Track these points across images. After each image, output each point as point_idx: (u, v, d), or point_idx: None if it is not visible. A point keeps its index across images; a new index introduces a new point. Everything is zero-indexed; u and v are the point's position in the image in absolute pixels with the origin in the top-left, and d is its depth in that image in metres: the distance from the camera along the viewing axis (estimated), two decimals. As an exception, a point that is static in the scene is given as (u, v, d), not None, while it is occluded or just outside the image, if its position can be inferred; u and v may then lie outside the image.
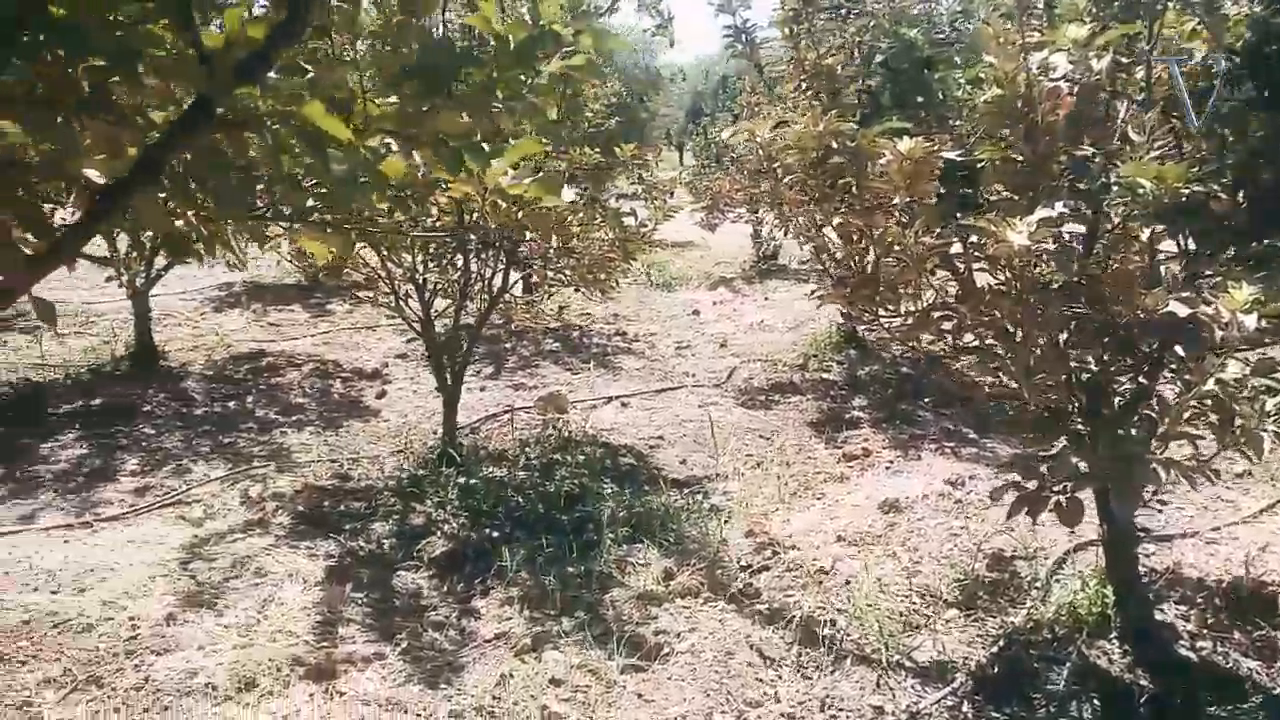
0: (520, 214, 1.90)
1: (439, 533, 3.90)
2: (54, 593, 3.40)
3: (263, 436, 5.15)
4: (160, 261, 6.24)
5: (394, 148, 1.43)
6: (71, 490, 4.36)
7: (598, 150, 4.79)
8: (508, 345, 7.10)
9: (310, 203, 1.57)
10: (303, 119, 1.21)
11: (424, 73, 1.24)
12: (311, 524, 4.01)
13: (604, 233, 4.70)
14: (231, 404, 5.74)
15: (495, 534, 3.88)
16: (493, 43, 1.43)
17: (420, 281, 4.53)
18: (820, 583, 3.50)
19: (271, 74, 1.21)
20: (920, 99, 4.25)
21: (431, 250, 4.39)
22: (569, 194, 1.75)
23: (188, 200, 1.35)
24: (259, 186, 1.49)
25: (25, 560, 3.64)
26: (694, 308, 8.82)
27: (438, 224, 3.92)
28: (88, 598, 3.36)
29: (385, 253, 4.50)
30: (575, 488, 4.31)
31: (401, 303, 4.63)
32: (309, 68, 1.35)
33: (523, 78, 1.45)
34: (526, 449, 4.83)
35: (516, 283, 4.84)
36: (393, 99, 1.42)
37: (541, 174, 1.71)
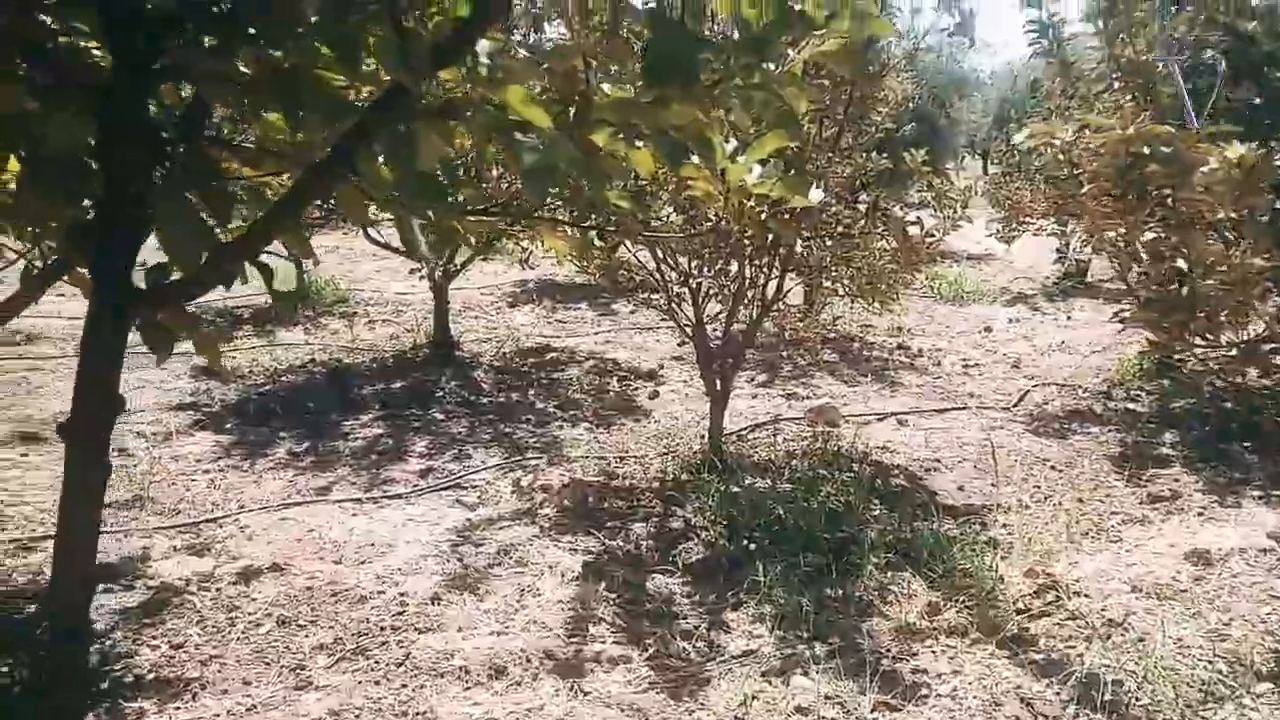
0: (765, 215, 1.78)
1: (696, 539, 3.85)
2: (336, 563, 3.64)
3: (539, 429, 5.32)
4: (460, 256, 6.63)
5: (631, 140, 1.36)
6: (365, 467, 4.68)
7: (885, 155, 4.58)
8: (783, 353, 6.97)
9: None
10: (501, 105, 1.16)
11: (655, 60, 1.15)
12: (575, 518, 4.07)
13: (886, 242, 4.48)
14: (514, 395, 5.98)
15: (752, 546, 3.78)
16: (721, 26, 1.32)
17: (694, 285, 4.50)
18: (1108, 636, 3.14)
19: (485, 60, 1.16)
20: (1257, 101, 3.73)
21: (706, 254, 4.35)
22: (816, 195, 1.61)
23: (378, 190, 1.34)
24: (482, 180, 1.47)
25: (316, 530, 3.92)
26: (986, 324, 8.31)
27: (700, 226, 3.87)
28: (365, 571, 3.57)
29: (661, 255, 4.52)
30: (840, 506, 4.13)
31: (675, 306, 4.63)
32: (528, 52, 1.30)
33: (767, 65, 1.33)
34: (792, 461, 4.69)
35: (791, 290, 4.71)
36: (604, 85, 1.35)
37: (792, 172, 1.59)
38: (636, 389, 6.15)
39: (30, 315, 7.57)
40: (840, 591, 3.44)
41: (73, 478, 1.45)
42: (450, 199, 1.49)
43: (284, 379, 6.29)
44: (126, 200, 1.17)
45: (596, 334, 7.70)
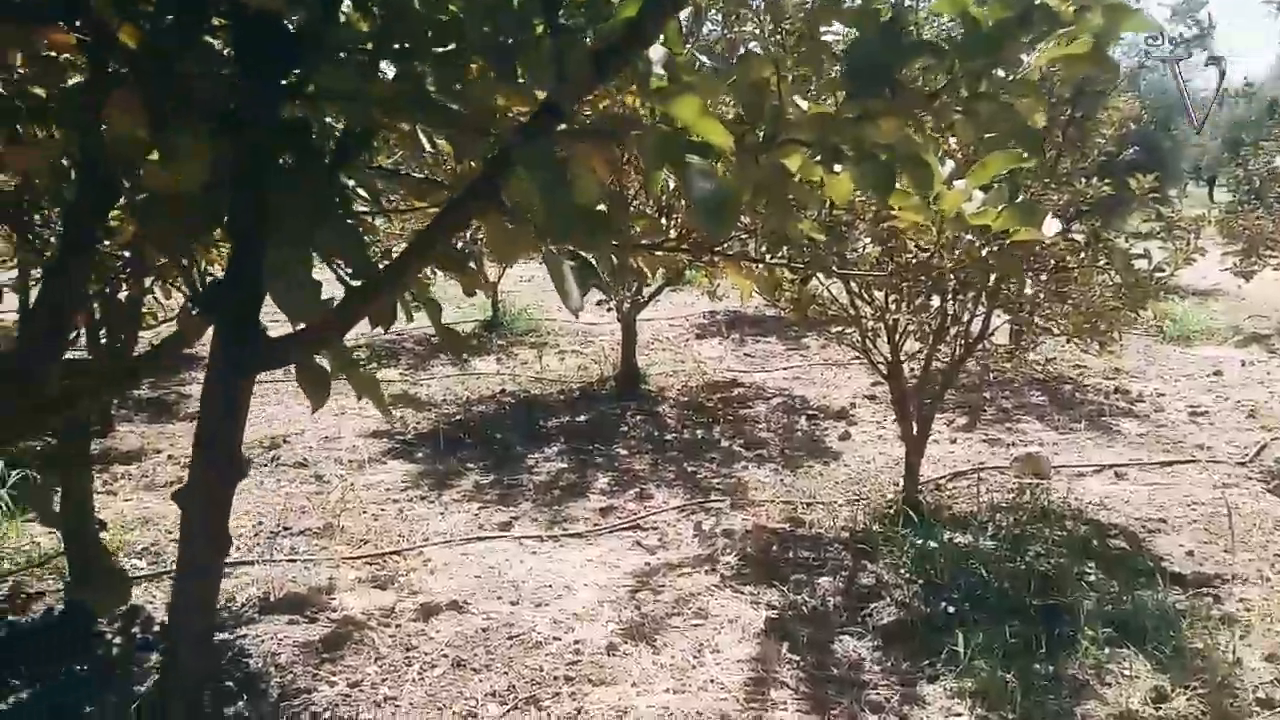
0: (985, 250, 1.55)
1: (888, 598, 3.57)
2: (514, 604, 3.57)
3: (724, 469, 5.15)
4: (649, 288, 6.56)
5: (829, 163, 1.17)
6: (547, 503, 4.63)
7: (1106, 180, 4.19)
8: (986, 395, 6.55)
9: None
10: (672, 123, 0.99)
11: (861, 66, 0.96)
12: (757, 568, 3.87)
13: (1108, 276, 4.08)
14: (699, 432, 5.83)
15: (950, 609, 3.47)
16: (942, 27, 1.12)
17: (890, 322, 4.23)
18: (1378, 743, 2.69)
19: (659, 69, 1.00)
20: None
21: (904, 289, 4.08)
22: (1053, 226, 1.37)
23: (520, 220, 1.20)
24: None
25: (496, 568, 3.87)
26: (1216, 367, 7.57)
27: (900, 258, 3.61)
28: (541, 614, 3.48)
29: (856, 289, 4.28)
30: (1050, 569, 3.75)
31: (869, 342, 4.37)
32: (706, 60, 1.13)
33: (996, 72, 1.12)
34: (996, 515, 4.33)
35: (998, 329, 4.36)
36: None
37: (1019, 200, 1.36)
38: (826, 429, 5.89)
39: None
40: (1051, 668, 3.10)
41: (188, 554, 1.36)
42: (615, 232, 1.34)
43: (475, 409, 6.36)
44: (250, 239, 1.07)
45: (786, 369, 7.47)
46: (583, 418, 6.09)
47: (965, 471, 5.02)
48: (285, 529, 4.24)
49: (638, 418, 6.09)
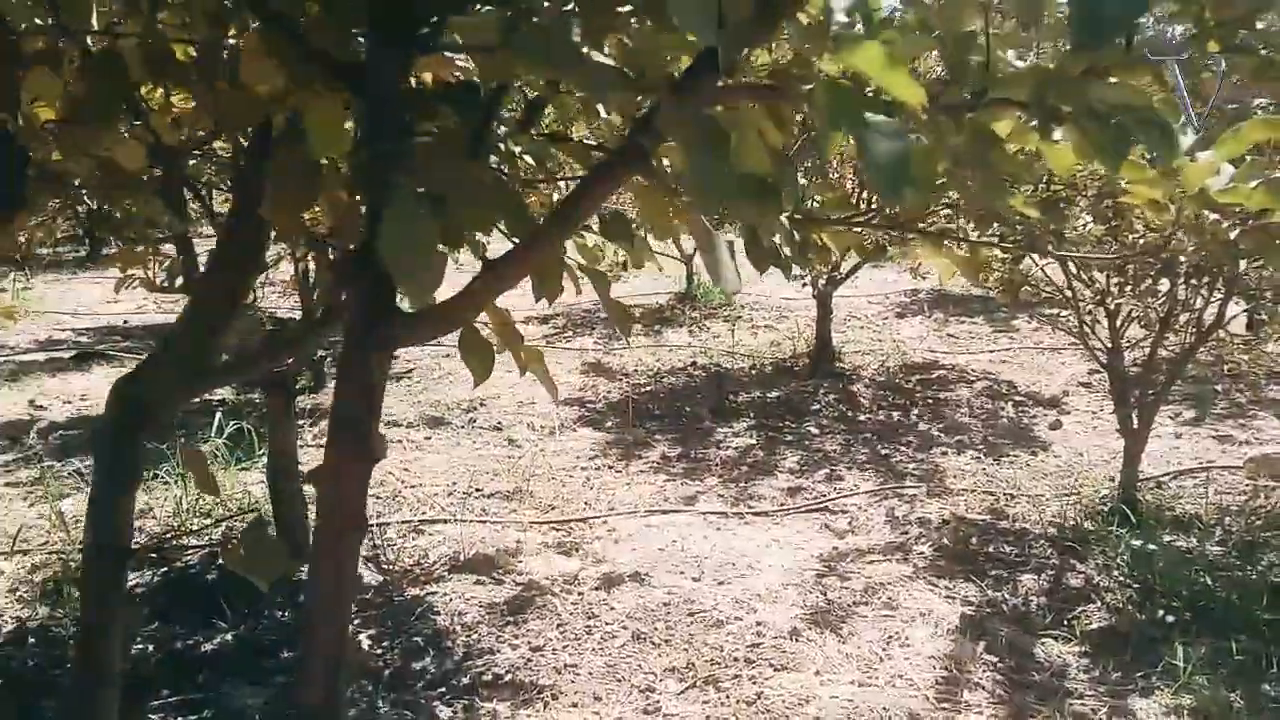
0: (1236, 233, 1.34)
1: (1099, 602, 3.31)
2: (695, 580, 3.52)
3: (919, 454, 4.92)
4: (847, 264, 6.34)
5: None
6: (734, 479, 4.55)
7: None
8: (1217, 387, 6.00)
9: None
10: (852, 75, 0.86)
11: (1090, 10, 0.80)
12: (953, 560, 3.67)
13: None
14: (895, 414, 5.61)
15: (1169, 618, 3.18)
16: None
17: (1111, 307, 3.91)
18: None
19: (840, 14, 0.87)
20: None
21: (1128, 272, 3.75)
22: None
23: (666, 187, 1.09)
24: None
25: (679, 542, 3.83)
26: None
27: (1125, 239, 3.30)
28: (723, 592, 3.42)
29: (1074, 270, 3.98)
30: (1288, 582, 3.39)
31: (1087, 327, 4.06)
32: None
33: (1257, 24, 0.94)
34: (1225, 519, 3.95)
35: (1235, 317, 3.96)
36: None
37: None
38: (1035, 417, 5.55)
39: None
40: (1285, 692, 2.79)
41: (325, 538, 1.33)
42: (783, 205, 1.21)
43: (665, 380, 6.35)
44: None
45: (992, 352, 7.09)
46: (774, 394, 5.97)
47: (1191, 470, 4.61)
48: (477, 490, 4.34)
49: (830, 396, 5.91)
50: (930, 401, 5.85)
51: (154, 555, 3.60)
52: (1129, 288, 3.86)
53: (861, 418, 5.55)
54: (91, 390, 5.91)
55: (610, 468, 4.72)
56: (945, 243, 1.46)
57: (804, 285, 6.49)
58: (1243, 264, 3.46)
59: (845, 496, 4.32)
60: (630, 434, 5.21)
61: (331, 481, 1.28)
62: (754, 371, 6.55)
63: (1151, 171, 1.15)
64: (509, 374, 5.87)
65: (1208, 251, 1.24)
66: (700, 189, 0.91)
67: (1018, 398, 5.92)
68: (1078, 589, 3.41)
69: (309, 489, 3.61)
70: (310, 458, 4.63)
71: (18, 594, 3.27)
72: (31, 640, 2.99)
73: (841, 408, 5.72)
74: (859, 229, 1.46)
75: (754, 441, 5.12)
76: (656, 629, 3.17)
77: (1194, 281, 3.71)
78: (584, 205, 1.15)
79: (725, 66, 0.87)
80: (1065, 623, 3.19)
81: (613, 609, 3.30)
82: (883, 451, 4.96)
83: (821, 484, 4.49)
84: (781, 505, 4.24)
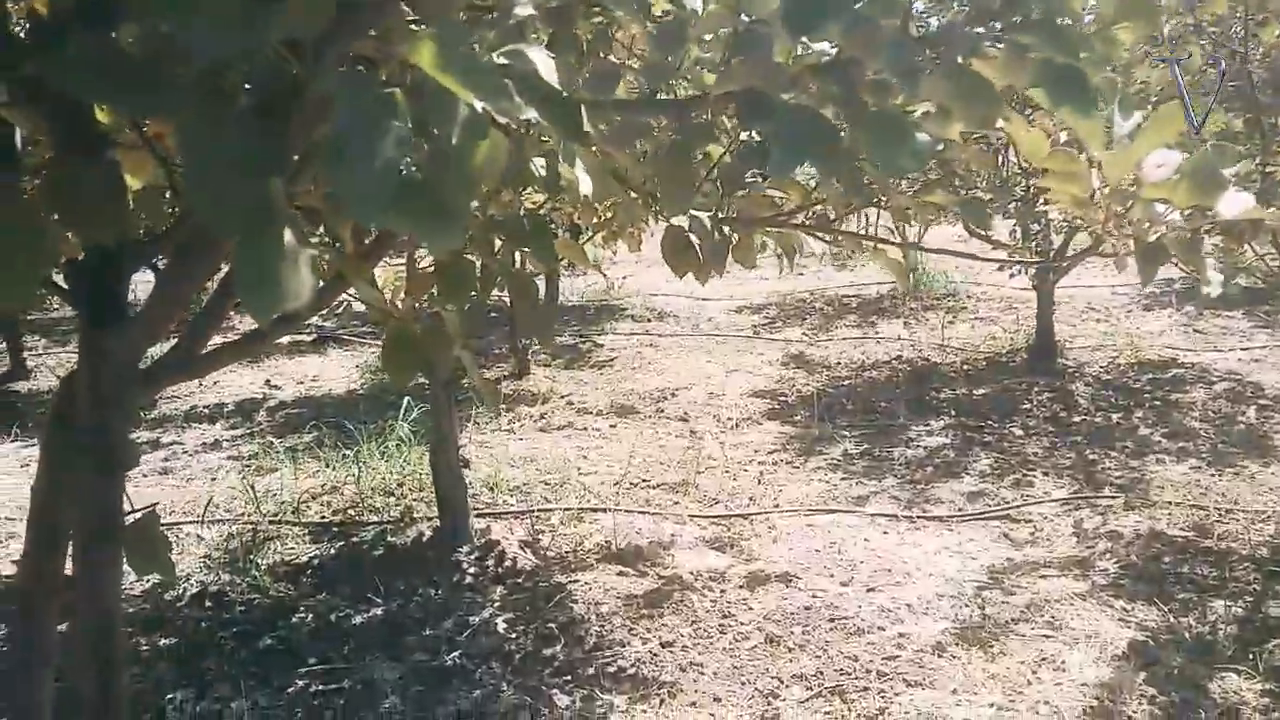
0: (1157, 236, 1.08)
1: (1302, 638, 2.91)
2: (844, 584, 3.38)
3: (1132, 460, 4.49)
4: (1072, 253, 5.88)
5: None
6: (914, 480, 4.34)
7: None
8: None
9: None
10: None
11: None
12: (1139, 580, 3.33)
13: None
14: (1114, 416, 5.15)
15: (1391, 664, 2.76)
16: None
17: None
18: None
19: None
20: None
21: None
22: (1240, 202, 0.92)
23: None
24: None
25: (838, 544, 3.69)
26: None
27: None
28: (871, 600, 3.26)
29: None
30: None
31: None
32: None
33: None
34: None
35: None
36: None
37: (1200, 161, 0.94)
38: (1278, 424, 4.93)
39: (667, 294, 8.39)
40: None
41: (75, 549, 1.28)
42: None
43: (867, 374, 6.14)
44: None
45: (1244, 349, 6.37)
46: (981, 391, 5.63)
47: None
48: (645, 481, 4.36)
49: (1044, 395, 5.51)
50: (1158, 404, 5.33)
51: (334, 529, 3.86)
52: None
53: (1075, 419, 5.14)
54: (324, 372, 6.42)
55: (788, 463, 4.62)
56: (868, 243, 1.31)
57: (1013, 275, 6.10)
58: None
59: (1032, 504, 4.01)
60: (816, 429, 5.07)
61: (81, 493, 1.25)
62: (965, 367, 6.21)
63: (1079, 162, 0.98)
64: (708, 363, 5.92)
65: (1137, 255, 1.01)
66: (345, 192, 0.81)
67: (1264, 401, 5.28)
68: (1277, 619, 3.01)
69: (469, 473, 3.77)
70: (499, 441, 4.83)
71: (207, 560, 3.60)
72: (208, 604, 3.29)
73: (1054, 407, 5.32)
74: (789, 228, 1.33)
75: (947, 441, 4.86)
76: (792, 633, 3.08)
77: None
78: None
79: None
80: (1252, 655, 2.82)
81: (750, 609, 3.23)
82: (1089, 457, 4.57)
83: (1008, 489, 4.19)
84: (959, 510, 4.00)
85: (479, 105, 0.72)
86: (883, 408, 5.41)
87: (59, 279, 1.22)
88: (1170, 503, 3.95)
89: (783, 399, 5.63)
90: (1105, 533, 3.71)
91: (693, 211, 1.33)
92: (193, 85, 0.74)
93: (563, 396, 5.74)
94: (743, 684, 2.84)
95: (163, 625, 3.15)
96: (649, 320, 7.74)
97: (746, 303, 8.17)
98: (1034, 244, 5.67)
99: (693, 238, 1.31)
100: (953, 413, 5.27)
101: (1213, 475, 4.27)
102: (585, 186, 1.15)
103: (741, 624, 3.14)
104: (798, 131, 0.86)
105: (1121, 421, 5.08)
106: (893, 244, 1.38)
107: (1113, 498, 4.03)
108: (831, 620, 3.15)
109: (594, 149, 1.16)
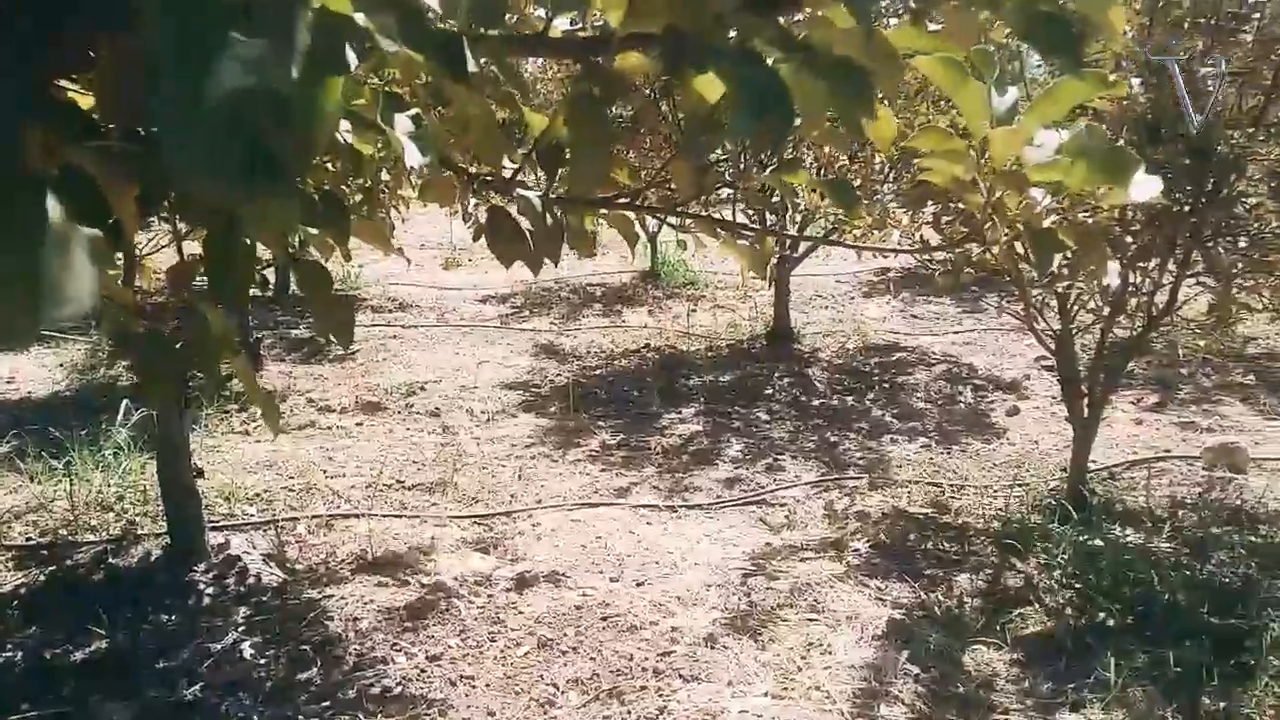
0: (1051, 219, 1.11)
1: (1036, 604, 3.15)
2: (614, 580, 3.34)
3: (870, 441, 4.74)
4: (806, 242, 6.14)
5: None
6: (672, 469, 4.37)
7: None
8: (1183, 371, 5.82)
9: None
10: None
11: None
12: (889, 558, 3.50)
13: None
14: (849, 399, 5.42)
15: (1110, 623, 3.02)
16: None
17: (1060, 289, 3.72)
18: None
19: None
20: None
21: (1071, 255, 3.55)
22: (1151, 186, 0.95)
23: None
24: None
25: (604, 539, 3.65)
26: None
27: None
28: (641, 594, 3.23)
29: (1020, 251, 3.77)
30: (1235, 581, 3.22)
31: (1035, 311, 3.86)
32: None
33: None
34: (1178, 513, 3.78)
35: (1190, 299, 3.77)
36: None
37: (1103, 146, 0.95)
38: (992, 402, 5.36)
39: (408, 284, 8.07)
40: (1222, 704, 2.63)
41: None
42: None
43: (617, 363, 6.15)
44: None
45: (956, 333, 6.90)
46: (726, 377, 5.78)
47: (1145, 460, 4.44)
48: (400, 482, 4.14)
49: (784, 380, 5.72)
50: (887, 385, 5.66)
51: (44, 553, 3.40)
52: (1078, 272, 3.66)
53: (814, 403, 5.36)
54: (19, 372, 5.69)
55: (546, 456, 4.53)
56: (722, 231, 1.26)
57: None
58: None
59: (785, 488, 4.14)
60: (572, 420, 5.01)
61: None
62: (710, 354, 6.35)
63: (957, 141, 0.95)
64: (456, 355, 5.67)
65: (1031, 244, 1.02)
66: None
67: (977, 381, 5.73)
68: (1015, 590, 3.24)
69: (202, 483, 3.41)
70: (232, 444, 4.44)
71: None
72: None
73: (795, 392, 5.53)
74: (629, 210, 1.26)
75: (700, 428, 4.93)
76: (565, 635, 2.99)
77: (1143, 264, 3.51)
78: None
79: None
80: (999, 627, 3.01)
81: (521, 613, 3.12)
82: (831, 439, 4.77)
83: (762, 475, 4.30)
84: (717, 498, 4.06)
85: (361, 20, 0.56)
86: (635, 397, 5.43)
87: None
88: (909, 481, 4.19)
89: (536, 390, 5.53)
90: (854, 513, 3.87)
91: (520, 191, 1.19)
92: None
93: (301, 393, 5.37)
94: (517, 694, 2.72)
95: None
96: (390, 311, 7.40)
97: (492, 292, 8.00)
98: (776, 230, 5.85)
99: (522, 221, 1.17)
100: (702, 400, 5.37)
101: (942, 453, 4.57)
102: (412, 157, 0.98)
103: (512, 630, 3.02)
104: (757, 85, 0.74)
105: (856, 404, 5.35)
106: (753, 229, 1.30)
107: (857, 479, 4.22)
108: (604, 619, 3.09)
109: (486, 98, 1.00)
